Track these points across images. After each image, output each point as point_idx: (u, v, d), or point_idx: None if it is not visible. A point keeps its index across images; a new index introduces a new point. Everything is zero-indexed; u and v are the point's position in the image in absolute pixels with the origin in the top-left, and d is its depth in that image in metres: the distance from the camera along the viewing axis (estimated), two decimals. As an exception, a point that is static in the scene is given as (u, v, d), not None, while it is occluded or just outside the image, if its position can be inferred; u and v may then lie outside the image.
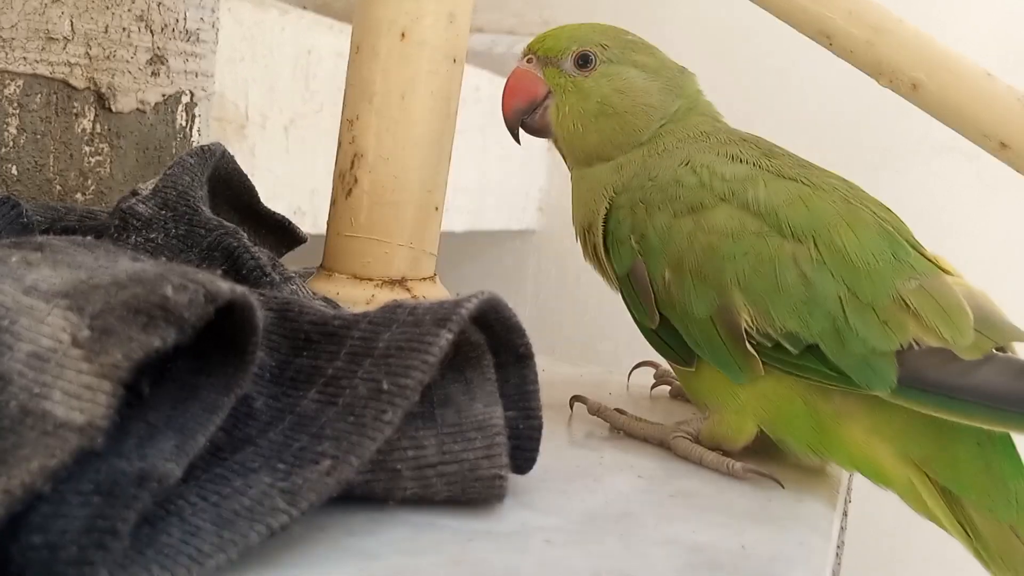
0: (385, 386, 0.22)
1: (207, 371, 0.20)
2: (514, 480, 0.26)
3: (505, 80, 0.36)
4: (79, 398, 0.17)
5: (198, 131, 0.53)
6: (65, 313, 0.18)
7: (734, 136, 0.34)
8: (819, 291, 0.29)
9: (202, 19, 0.51)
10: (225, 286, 0.19)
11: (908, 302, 0.29)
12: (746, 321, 0.29)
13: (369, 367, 0.22)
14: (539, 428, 0.25)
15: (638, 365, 0.39)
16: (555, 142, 0.36)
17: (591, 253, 0.35)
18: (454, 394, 0.24)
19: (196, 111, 0.52)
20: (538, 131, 0.36)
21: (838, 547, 0.30)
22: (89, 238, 0.25)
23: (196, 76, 0.51)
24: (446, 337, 0.22)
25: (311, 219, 0.82)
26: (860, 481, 0.32)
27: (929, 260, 0.31)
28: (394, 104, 0.33)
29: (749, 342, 0.29)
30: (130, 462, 0.18)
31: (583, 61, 0.34)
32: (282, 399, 0.23)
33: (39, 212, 0.35)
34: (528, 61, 0.35)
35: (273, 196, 0.76)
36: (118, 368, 0.18)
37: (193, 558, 0.18)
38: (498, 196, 1.30)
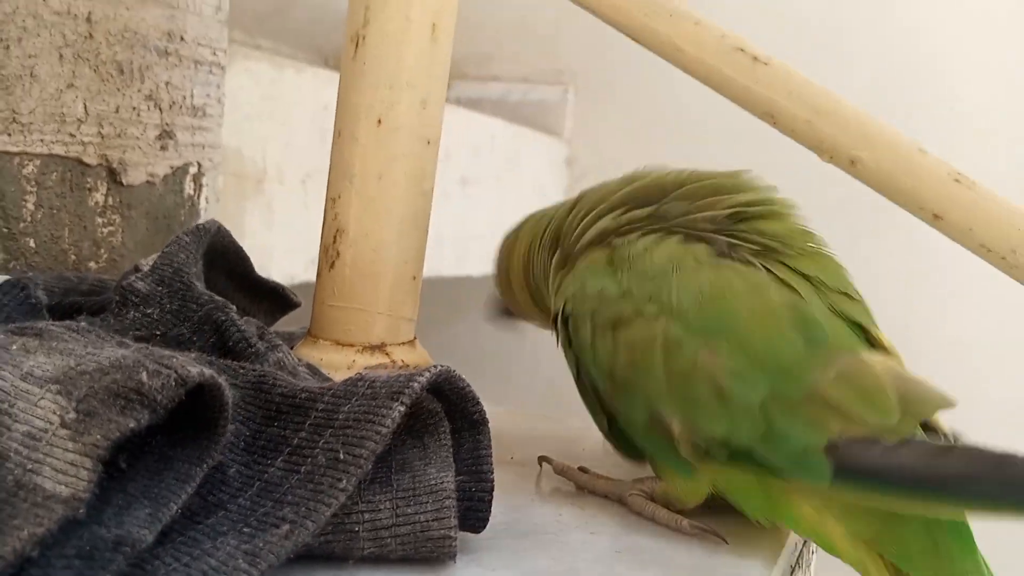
0: (342, 456, 0.24)
1: (182, 444, 0.23)
2: (470, 539, 0.28)
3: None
4: (65, 473, 0.20)
5: (205, 199, 0.56)
6: (55, 397, 0.21)
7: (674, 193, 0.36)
8: (738, 400, 0.29)
9: (208, 95, 0.55)
10: (195, 370, 0.22)
11: (828, 396, 0.29)
12: (678, 430, 0.30)
13: (329, 437, 0.25)
14: (490, 491, 0.28)
15: (540, 460, 0.38)
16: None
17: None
18: (411, 459, 0.27)
19: (203, 180, 0.56)
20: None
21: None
22: (83, 324, 0.28)
23: (203, 148, 0.55)
24: (399, 409, 0.25)
25: None
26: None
27: (854, 334, 0.31)
28: (372, 184, 0.36)
29: (689, 445, 0.30)
30: (108, 529, 0.20)
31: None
32: (253, 467, 0.25)
33: (53, 283, 0.38)
34: None
35: (292, 249, 0.79)
36: (98, 447, 0.20)
37: (161, 614, 0.20)
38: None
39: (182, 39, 0.52)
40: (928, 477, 0.28)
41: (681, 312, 0.31)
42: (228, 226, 0.44)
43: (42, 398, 0.21)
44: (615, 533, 0.31)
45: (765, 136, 0.38)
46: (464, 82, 1.42)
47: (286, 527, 0.23)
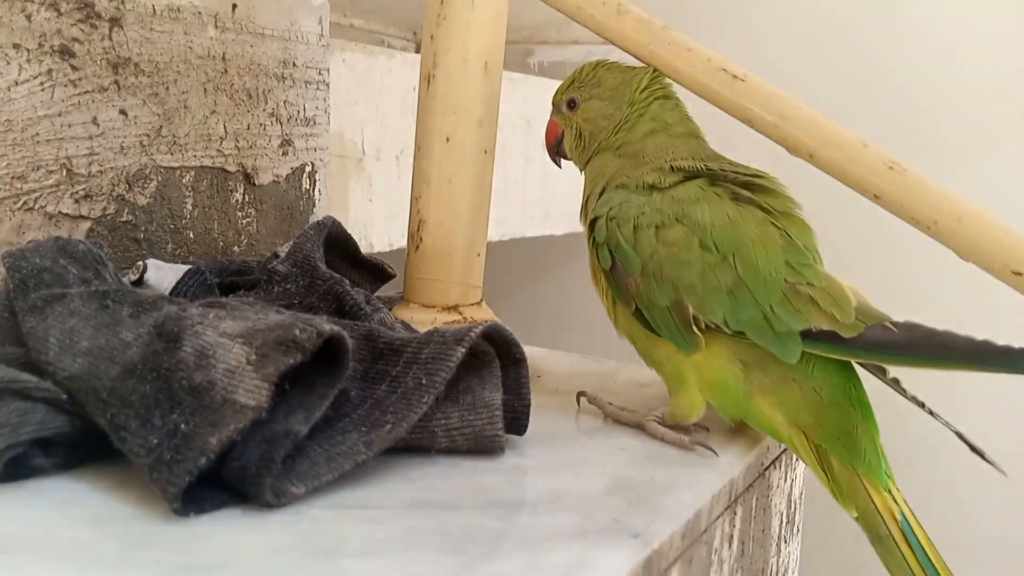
0: (424, 381, 0.36)
1: (321, 375, 0.36)
2: (515, 439, 0.40)
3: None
4: (252, 392, 0.33)
5: (318, 191, 0.69)
6: (242, 346, 0.34)
7: (694, 152, 0.46)
8: (740, 295, 0.41)
9: (317, 108, 0.68)
10: (327, 327, 0.35)
11: (810, 296, 0.40)
12: (693, 312, 0.42)
13: (416, 370, 0.37)
14: (528, 407, 0.39)
15: (578, 395, 0.48)
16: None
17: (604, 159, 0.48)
18: (472, 384, 0.39)
19: (316, 176, 0.69)
20: (564, 156, 0.52)
21: (741, 493, 0.42)
22: (251, 297, 0.41)
23: (315, 151, 0.68)
24: (461, 350, 0.37)
25: None
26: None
27: (820, 265, 0.42)
28: (444, 186, 0.48)
29: (696, 327, 0.42)
30: (280, 425, 0.33)
31: (571, 104, 0.49)
32: (366, 390, 0.38)
33: (212, 267, 0.51)
34: (553, 110, 0.51)
35: (389, 217, 0.91)
36: (271, 376, 0.33)
37: (314, 476, 0.33)
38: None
39: (295, 64, 0.65)
40: (878, 344, 0.39)
41: (704, 228, 0.42)
42: (334, 202, 0.56)
43: (233, 347, 0.34)
44: (624, 440, 0.42)
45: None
46: (546, 47, 1.50)
47: (389, 427, 0.35)
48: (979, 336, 0.38)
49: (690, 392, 0.43)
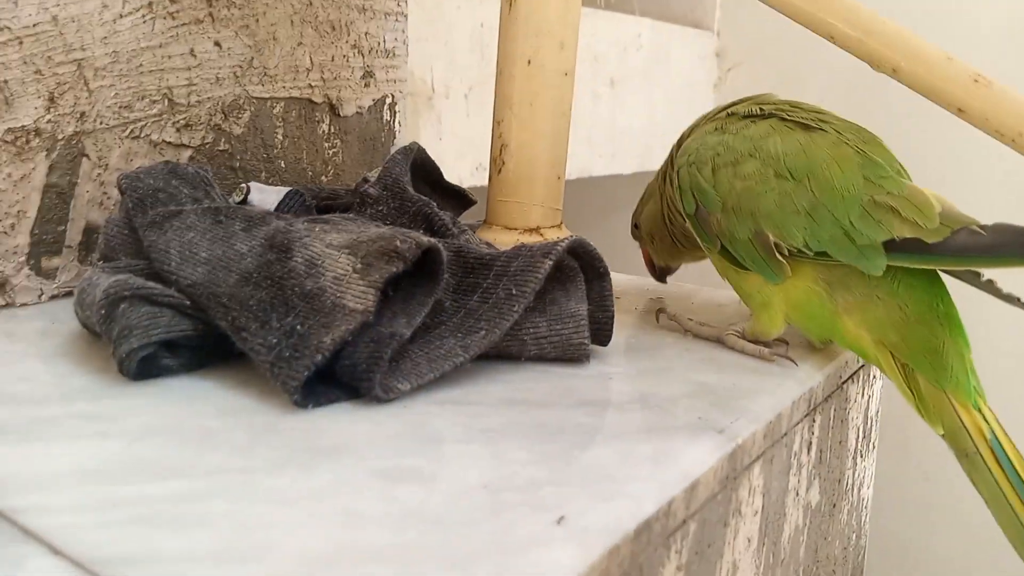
0: (514, 292, 0.38)
1: (419, 284, 0.38)
2: (600, 349, 0.42)
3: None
4: (359, 297, 0.35)
5: (398, 122, 0.71)
6: (348, 256, 0.36)
7: (758, 100, 0.47)
8: (818, 214, 0.41)
9: (396, 39, 0.69)
10: (425, 239, 0.37)
11: (889, 204, 0.40)
12: (774, 241, 0.43)
13: (506, 281, 0.39)
14: (611, 318, 0.41)
15: (658, 312, 0.50)
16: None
17: (666, 207, 0.50)
18: (558, 296, 0.41)
19: (396, 107, 0.71)
20: (668, 272, 0.57)
21: (820, 403, 0.43)
22: (351, 215, 0.43)
23: (395, 83, 0.70)
24: (548, 263, 0.39)
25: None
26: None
27: (903, 177, 0.42)
28: (525, 109, 0.50)
29: (779, 253, 0.43)
30: (385, 328, 0.35)
31: (636, 227, 0.55)
32: (459, 300, 0.40)
33: (308, 193, 0.54)
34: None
35: (459, 155, 0.93)
36: (376, 283, 0.35)
37: (417, 375, 0.35)
38: (665, 136, 1.41)
39: (374, -3, 0.66)
40: (966, 248, 0.39)
41: (777, 158, 0.43)
42: (406, 140, 0.58)
43: (340, 257, 0.36)
44: (704, 350, 0.44)
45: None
46: (612, -19, 1.49)
47: (483, 332, 0.37)
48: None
49: (772, 310, 0.44)
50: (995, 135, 0.42)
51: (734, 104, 0.48)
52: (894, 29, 0.44)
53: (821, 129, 0.44)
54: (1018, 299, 0.42)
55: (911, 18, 0.54)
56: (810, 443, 0.42)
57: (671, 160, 0.49)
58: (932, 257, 0.39)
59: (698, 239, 0.46)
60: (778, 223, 0.42)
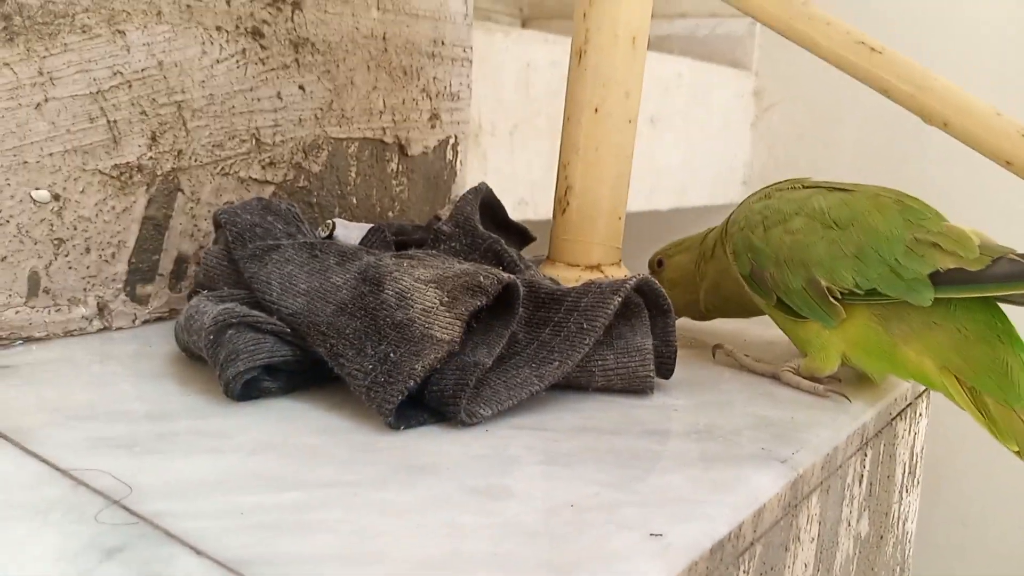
0: (585, 326, 0.41)
1: (498, 317, 0.41)
2: (662, 382, 0.45)
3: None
4: (446, 328, 0.38)
5: (460, 162, 0.75)
6: (435, 290, 0.39)
7: (797, 180, 0.50)
8: (865, 256, 0.44)
9: (461, 83, 0.73)
10: (505, 275, 0.40)
11: (931, 240, 0.43)
12: (826, 285, 0.45)
13: (577, 316, 0.42)
14: (675, 352, 0.44)
15: (714, 348, 0.52)
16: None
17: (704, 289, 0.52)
18: (625, 331, 0.43)
19: (459, 148, 0.74)
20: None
21: (871, 438, 0.45)
22: (433, 251, 0.46)
23: (458, 124, 0.73)
24: (617, 299, 0.42)
25: (532, 208, 1.01)
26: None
27: (941, 219, 0.45)
28: (591, 154, 0.53)
29: (832, 297, 0.46)
30: (469, 357, 0.38)
31: (659, 264, 0.57)
32: (531, 333, 0.43)
33: (384, 227, 0.57)
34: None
35: (502, 191, 0.96)
36: (462, 315, 0.38)
37: (498, 402, 0.38)
38: (702, 174, 1.44)
39: (443, 43, 0.70)
40: (1009, 276, 0.41)
41: (822, 211, 0.46)
42: (466, 177, 0.61)
43: (428, 290, 0.40)
44: (761, 386, 0.46)
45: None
46: (652, 20, 1.52)
47: (556, 363, 0.40)
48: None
49: (828, 350, 0.46)
50: (1042, 187, 0.45)
51: (775, 184, 0.51)
52: (944, 85, 0.47)
53: (859, 190, 0.47)
54: None
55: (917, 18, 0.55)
56: (861, 476, 0.44)
57: (723, 231, 0.52)
58: (976, 286, 0.42)
59: (754, 296, 0.49)
60: (828, 268, 0.45)
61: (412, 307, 0.39)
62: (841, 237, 0.45)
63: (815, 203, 0.47)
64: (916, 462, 0.54)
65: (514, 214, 0.96)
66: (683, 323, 0.60)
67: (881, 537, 0.50)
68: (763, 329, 0.58)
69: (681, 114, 1.35)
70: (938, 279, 0.42)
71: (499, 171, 0.94)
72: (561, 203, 0.55)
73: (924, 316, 0.43)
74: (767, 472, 0.34)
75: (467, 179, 0.86)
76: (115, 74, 0.49)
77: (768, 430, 0.39)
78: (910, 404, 0.50)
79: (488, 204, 0.57)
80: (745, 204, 0.51)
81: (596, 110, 0.52)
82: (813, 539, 0.39)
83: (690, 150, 1.38)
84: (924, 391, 0.53)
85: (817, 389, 0.46)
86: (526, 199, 0.99)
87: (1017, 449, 0.42)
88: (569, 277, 0.54)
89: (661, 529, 0.28)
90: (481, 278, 0.39)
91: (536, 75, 0.98)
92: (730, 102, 1.44)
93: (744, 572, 0.32)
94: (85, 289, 0.50)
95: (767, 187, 0.52)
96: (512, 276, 0.40)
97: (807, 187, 0.49)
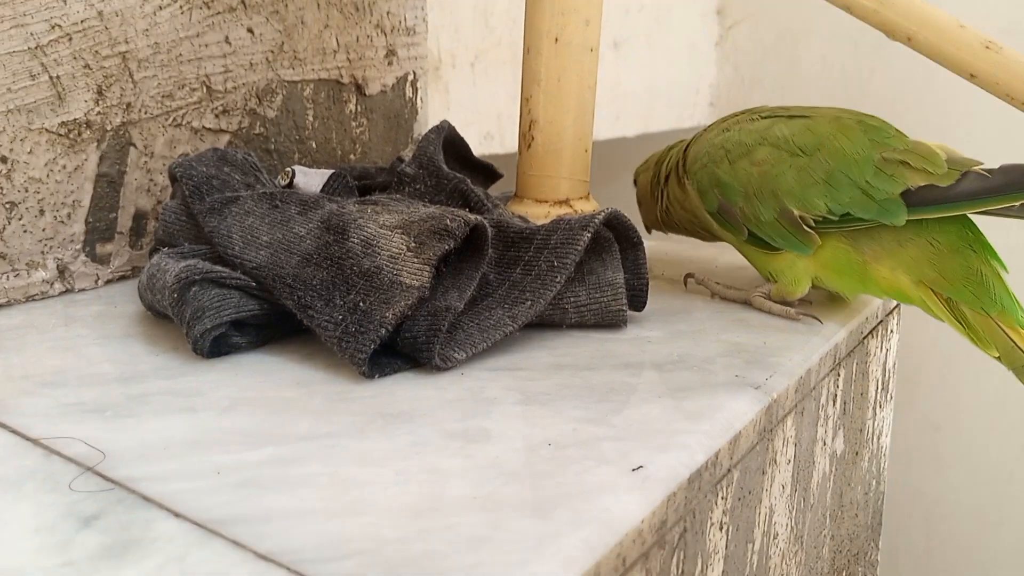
0: (555, 264, 0.41)
1: (467, 259, 0.40)
2: (635, 314, 0.44)
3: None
4: (415, 274, 0.38)
5: (420, 99, 0.73)
6: (402, 236, 0.39)
7: (754, 111, 0.50)
8: (835, 180, 0.44)
9: (416, 16, 0.71)
10: (472, 217, 0.39)
11: (899, 159, 0.43)
12: (799, 214, 0.45)
13: (547, 254, 0.42)
14: (646, 285, 0.44)
15: (686, 277, 0.52)
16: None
17: (678, 205, 0.52)
18: (596, 267, 0.43)
19: (418, 84, 0.72)
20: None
21: (843, 358, 0.46)
22: (397, 196, 0.45)
23: (416, 59, 0.72)
24: (587, 235, 0.41)
25: (499, 141, 1.00)
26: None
27: (904, 137, 0.45)
28: (553, 85, 0.52)
29: (806, 225, 0.46)
30: (440, 302, 0.38)
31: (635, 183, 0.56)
32: (502, 273, 0.42)
33: (346, 171, 0.56)
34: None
35: (467, 125, 0.95)
36: (430, 260, 0.38)
37: (471, 345, 0.38)
38: (668, 97, 1.42)
39: (395, -24, 0.68)
40: (979, 191, 0.42)
41: (787, 139, 0.46)
42: (427, 114, 0.60)
43: (394, 236, 0.39)
44: (733, 312, 0.46)
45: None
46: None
47: (529, 303, 0.40)
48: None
49: (799, 274, 0.46)
50: (1005, 98, 0.45)
51: (731, 116, 0.51)
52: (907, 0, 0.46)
53: (819, 114, 0.47)
54: None
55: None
56: (835, 395, 0.45)
57: (678, 163, 0.51)
58: (950, 205, 0.42)
59: (723, 233, 0.49)
60: (799, 197, 0.44)
61: (379, 254, 0.38)
62: (809, 164, 0.45)
63: (778, 131, 0.46)
64: (888, 378, 0.55)
65: (480, 149, 0.95)
66: (654, 252, 0.60)
67: (856, 453, 0.51)
68: (735, 255, 0.58)
69: (644, 37, 1.33)
70: (910, 198, 0.43)
71: (462, 104, 0.92)
72: (526, 138, 0.54)
73: (896, 234, 0.44)
74: (742, 398, 0.35)
75: (429, 115, 0.84)
76: (53, 27, 0.47)
77: (741, 356, 0.39)
78: (881, 321, 0.50)
79: (451, 142, 0.55)
80: (704, 138, 0.50)
81: (556, 40, 0.51)
82: (790, 461, 0.39)
83: (655, 73, 1.36)
84: (895, 307, 0.54)
85: (789, 312, 0.46)
86: (492, 133, 0.97)
87: (998, 355, 0.42)
88: (538, 213, 0.53)
89: (640, 461, 0.29)
90: (448, 221, 0.38)
91: (495, 3, 0.96)
92: (694, 22, 1.42)
93: (723, 498, 0.32)
94: (43, 252, 0.49)
95: (723, 120, 0.51)
96: (479, 217, 0.39)
97: (765, 117, 0.48)
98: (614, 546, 0.25)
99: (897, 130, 0.46)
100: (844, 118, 0.46)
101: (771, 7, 1.38)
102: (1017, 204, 0.42)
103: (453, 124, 0.56)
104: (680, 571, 0.29)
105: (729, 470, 0.32)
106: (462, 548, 0.24)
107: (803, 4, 1.35)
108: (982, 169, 0.42)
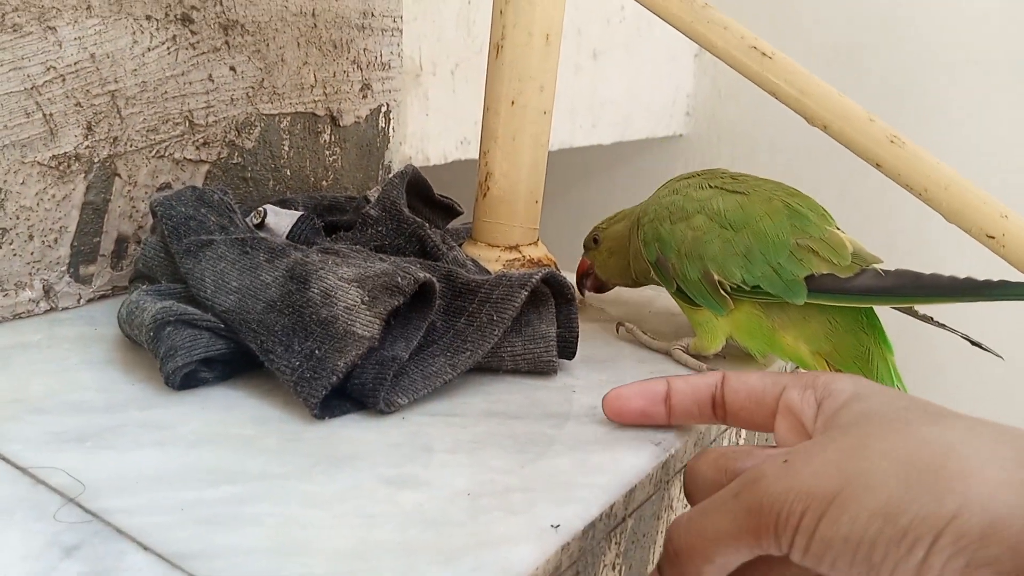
0: (495, 317, 0.46)
1: (415, 311, 0.45)
2: (566, 363, 0.50)
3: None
4: (367, 326, 0.42)
5: (392, 128, 0.77)
6: (357, 289, 0.44)
7: (706, 176, 0.55)
8: (752, 257, 0.50)
9: (391, 52, 0.75)
10: (422, 275, 0.44)
11: (810, 246, 0.49)
12: (718, 279, 0.51)
13: (488, 308, 0.47)
14: (576, 338, 0.49)
15: (617, 325, 0.57)
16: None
17: (632, 256, 0.57)
18: (532, 319, 0.48)
19: (391, 115, 0.77)
20: (584, 289, 0.62)
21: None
22: (357, 247, 0.50)
23: (390, 92, 0.76)
24: (524, 293, 0.46)
25: (474, 147, 1.04)
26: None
27: (826, 224, 0.50)
28: (508, 143, 0.56)
29: (722, 290, 0.51)
30: (387, 352, 0.43)
31: (596, 240, 0.60)
32: (448, 321, 0.47)
33: (308, 204, 0.61)
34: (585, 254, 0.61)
35: (444, 131, 0.99)
36: (381, 313, 0.43)
37: (414, 391, 0.43)
38: (645, 106, 1.46)
39: (373, 15, 0.72)
40: (872, 288, 0.47)
41: (720, 213, 0.51)
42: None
43: (350, 289, 0.44)
44: (655, 363, 0.52)
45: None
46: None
47: (468, 353, 0.45)
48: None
49: (715, 332, 0.52)
50: (906, 188, 0.50)
51: (686, 177, 0.56)
52: (825, 91, 0.51)
53: (756, 192, 0.52)
54: (930, 318, 0.51)
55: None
56: (743, 438, 0.50)
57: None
58: (844, 296, 0.48)
59: (660, 281, 0.54)
60: (720, 264, 0.50)
61: (336, 305, 0.43)
62: (734, 238, 0.50)
63: (715, 204, 0.52)
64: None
65: (456, 154, 0.99)
66: (594, 297, 0.65)
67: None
68: (669, 299, 0.63)
69: (624, 47, 1.37)
70: (812, 283, 0.48)
71: (440, 110, 0.96)
72: (482, 187, 0.59)
73: (801, 309, 0.50)
74: (641, 454, 0.40)
75: (407, 119, 0.88)
76: (48, 69, 0.51)
77: (652, 411, 0.44)
78: (790, 373, 0.56)
79: (415, 184, 0.60)
80: (655, 197, 0.56)
81: (513, 103, 0.56)
82: (686, 505, 0.45)
83: (633, 83, 1.40)
84: (795, 369, 0.59)
85: (700, 367, 0.51)
86: (468, 138, 1.02)
87: None
88: (489, 256, 0.58)
89: (543, 513, 0.34)
90: (399, 279, 0.43)
91: (478, 13, 1.00)
92: (673, 33, 1.46)
93: (616, 544, 0.38)
94: (30, 274, 0.53)
95: (677, 179, 0.56)
96: (428, 276, 0.44)
97: (712, 186, 0.54)
98: (509, 591, 0.30)
99: (823, 213, 0.52)
100: (776, 200, 0.51)
101: (749, 21, 1.43)
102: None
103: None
104: (573, 606, 0.35)
105: (624, 519, 0.38)
106: (380, 590, 0.29)
107: (781, 18, 1.40)
108: (880, 268, 0.48)
